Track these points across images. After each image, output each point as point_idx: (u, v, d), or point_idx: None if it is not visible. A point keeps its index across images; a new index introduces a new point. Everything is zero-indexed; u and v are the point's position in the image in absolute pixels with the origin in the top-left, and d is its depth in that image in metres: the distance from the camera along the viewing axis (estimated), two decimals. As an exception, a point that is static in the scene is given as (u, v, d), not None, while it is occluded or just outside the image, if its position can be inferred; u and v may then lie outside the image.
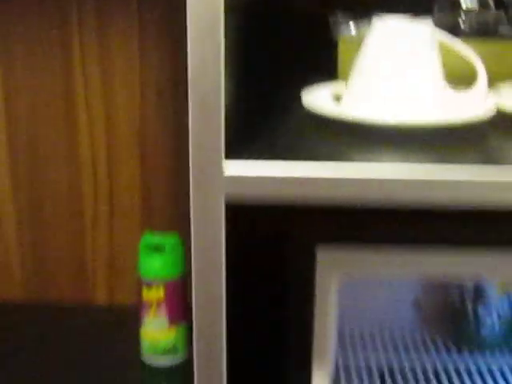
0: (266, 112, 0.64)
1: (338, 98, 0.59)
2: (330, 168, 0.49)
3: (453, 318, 0.80)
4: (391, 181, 0.49)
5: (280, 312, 0.61)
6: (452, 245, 0.56)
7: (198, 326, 0.56)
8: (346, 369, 0.76)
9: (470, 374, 0.75)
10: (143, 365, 0.85)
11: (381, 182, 0.49)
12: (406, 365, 0.76)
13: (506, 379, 0.74)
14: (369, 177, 0.48)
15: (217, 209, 0.50)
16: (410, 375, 0.75)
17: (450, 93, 0.58)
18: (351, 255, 0.57)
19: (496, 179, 0.49)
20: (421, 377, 0.75)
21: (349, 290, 0.82)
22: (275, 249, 0.58)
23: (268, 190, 0.49)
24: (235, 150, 0.50)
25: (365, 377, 0.75)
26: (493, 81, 0.59)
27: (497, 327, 0.77)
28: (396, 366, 0.76)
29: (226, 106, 0.48)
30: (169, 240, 0.82)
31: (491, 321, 0.77)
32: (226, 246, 0.53)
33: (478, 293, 0.76)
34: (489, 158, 0.54)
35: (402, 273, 0.60)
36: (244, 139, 0.54)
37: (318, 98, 0.58)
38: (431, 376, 0.75)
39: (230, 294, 0.55)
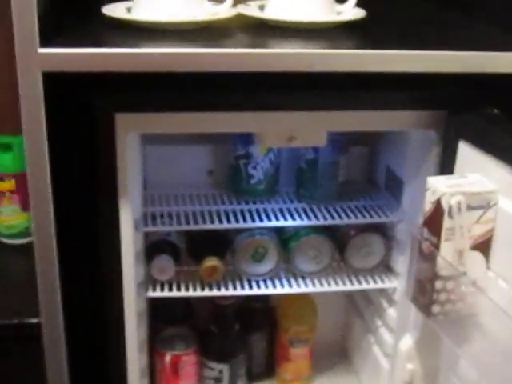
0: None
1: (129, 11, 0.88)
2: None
3: (232, 178, 1.12)
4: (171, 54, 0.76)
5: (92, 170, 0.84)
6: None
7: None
8: (153, 214, 1.06)
9: (246, 214, 1.08)
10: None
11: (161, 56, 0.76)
12: (205, 210, 1.07)
13: (268, 216, 1.08)
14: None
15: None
16: (207, 215, 1.05)
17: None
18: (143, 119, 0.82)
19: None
20: (215, 217, 1.06)
21: (156, 162, 1.10)
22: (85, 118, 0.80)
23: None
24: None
25: (174, 218, 1.04)
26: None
27: (262, 180, 1.09)
28: (198, 211, 1.06)
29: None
30: (17, 140, 1.04)
31: (258, 176, 1.09)
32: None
33: (248, 155, 1.08)
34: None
35: (184, 129, 0.88)
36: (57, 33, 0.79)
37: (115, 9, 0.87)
38: (222, 216, 1.06)
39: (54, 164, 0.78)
